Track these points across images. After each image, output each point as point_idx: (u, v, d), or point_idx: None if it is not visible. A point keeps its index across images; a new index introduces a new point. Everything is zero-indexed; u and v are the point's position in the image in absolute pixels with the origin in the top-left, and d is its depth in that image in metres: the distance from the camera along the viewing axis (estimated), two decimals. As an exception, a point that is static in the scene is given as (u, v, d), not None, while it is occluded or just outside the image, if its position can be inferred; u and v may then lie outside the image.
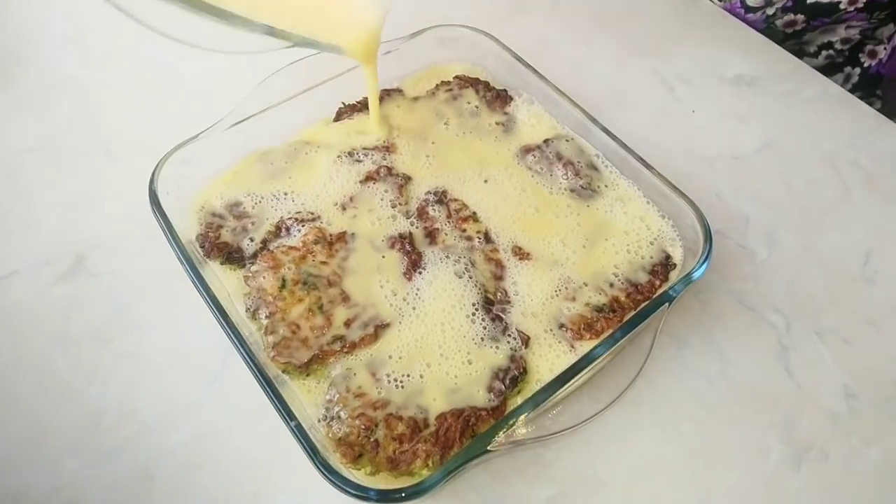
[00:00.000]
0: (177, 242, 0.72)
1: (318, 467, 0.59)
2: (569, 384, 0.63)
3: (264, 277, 0.73)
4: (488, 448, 0.60)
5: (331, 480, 0.59)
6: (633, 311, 0.71)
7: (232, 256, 0.77)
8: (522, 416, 0.62)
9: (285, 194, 0.81)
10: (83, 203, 0.93)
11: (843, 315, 0.81)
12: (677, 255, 0.75)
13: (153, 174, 0.77)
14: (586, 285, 0.73)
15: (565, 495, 0.70)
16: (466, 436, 0.64)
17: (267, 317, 0.71)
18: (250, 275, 0.74)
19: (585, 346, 0.69)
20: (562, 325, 0.71)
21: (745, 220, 0.89)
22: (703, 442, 0.73)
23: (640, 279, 0.73)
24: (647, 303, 0.71)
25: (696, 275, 0.70)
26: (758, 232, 0.88)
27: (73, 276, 0.86)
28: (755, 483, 0.70)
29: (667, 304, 0.68)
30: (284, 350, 0.69)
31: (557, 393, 0.63)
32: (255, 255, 0.76)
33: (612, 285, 0.73)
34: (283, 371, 0.69)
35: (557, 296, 0.73)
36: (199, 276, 0.70)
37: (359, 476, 0.63)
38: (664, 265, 0.74)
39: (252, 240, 0.78)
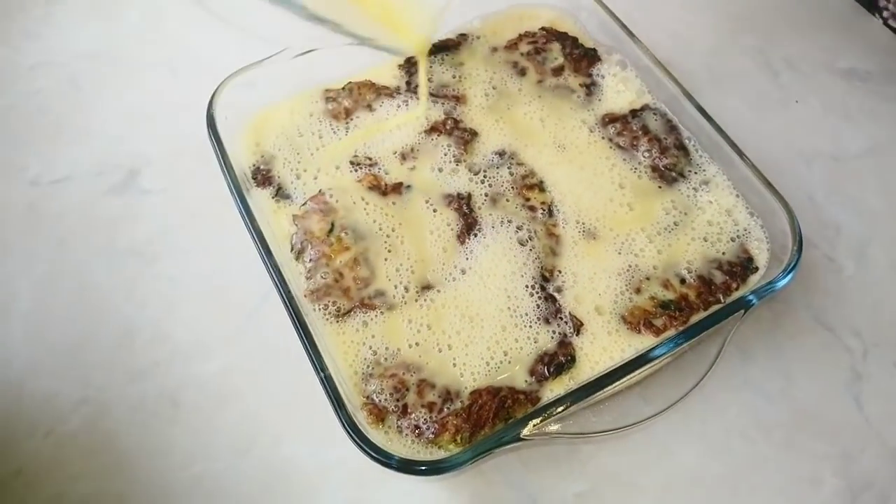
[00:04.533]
0: (228, 168, 0.69)
1: (343, 423, 0.56)
2: (618, 383, 0.58)
3: (313, 219, 0.70)
4: (521, 436, 0.56)
5: (354, 439, 0.56)
6: (703, 312, 0.65)
7: (283, 192, 0.73)
8: (562, 408, 0.57)
9: (345, 135, 0.77)
10: (142, 117, 0.91)
11: (931, 350, 0.73)
12: (762, 259, 0.68)
13: (213, 96, 0.73)
14: (654, 277, 0.67)
15: (596, 494, 0.66)
16: (500, 417, 0.60)
17: (311, 260, 0.68)
18: (299, 214, 0.71)
19: (644, 344, 0.63)
20: (621, 318, 0.65)
21: (835, 229, 0.81)
22: (752, 462, 0.67)
23: (715, 278, 0.66)
24: (719, 306, 0.64)
25: (781, 284, 0.63)
26: (848, 244, 0.80)
27: (123, 190, 0.85)
28: (802, 515, 0.65)
29: (742, 311, 0.62)
30: (325, 297, 0.66)
31: (604, 390, 0.58)
32: (306, 195, 0.72)
33: (683, 281, 0.67)
34: (323, 317, 0.66)
35: (620, 284, 0.67)
36: (247, 206, 0.67)
37: (382, 441, 0.60)
38: (744, 267, 0.67)
39: (305, 177, 0.74)
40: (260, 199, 0.73)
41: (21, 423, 0.71)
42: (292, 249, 0.69)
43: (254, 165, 0.75)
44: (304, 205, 0.71)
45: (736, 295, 0.66)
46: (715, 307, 0.65)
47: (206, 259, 0.79)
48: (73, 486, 0.67)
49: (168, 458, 0.69)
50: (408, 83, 0.80)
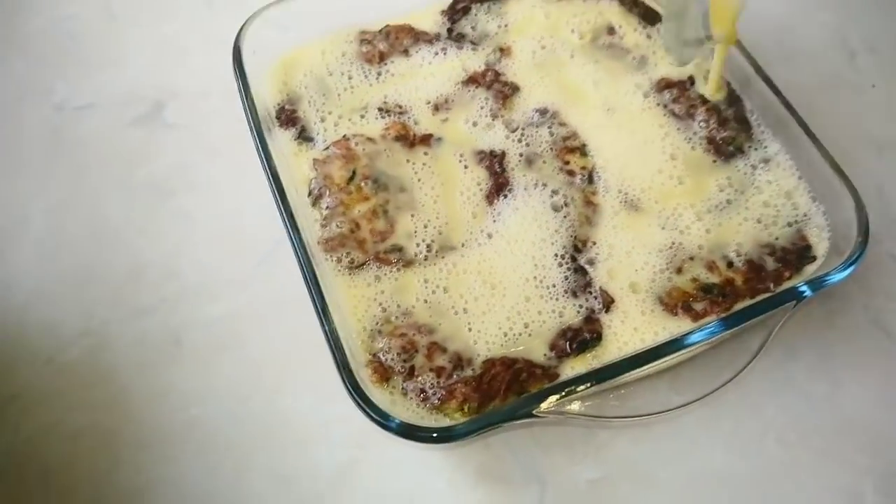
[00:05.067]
0: (249, 103, 0.65)
1: (343, 379, 0.52)
2: (645, 367, 0.53)
3: (334, 165, 0.66)
4: (534, 412, 0.51)
5: (353, 397, 0.52)
6: (749, 300, 0.58)
7: (306, 134, 0.69)
8: (583, 388, 0.52)
9: (377, 79, 0.72)
10: (173, 49, 0.87)
11: None
12: (820, 249, 0.61)
13: (241, 29, 0.69)
14: (699, 258, 0.61)
15: (610, 482, 0.61)
16: (513, 390, 0.55)
17: (328, 207, 0.64)
18: (320, 158, 0.66)
19: (680, 328, 0.58)
20: (657, 298, 0.60)
21: (905, 227, 0.73)
22: (787, 468, 0.61)
23: (766, 264, 0.60)
24: (768, 295, 0.58)
25: (837, 278, 0.56)
26: (918, 244, 0.72)
27: (147, 122, 0.82)
28: (835, 530, 0.59)
29: (793, 302, 0.55)
30: (339, 247, 0.62)
31: (631, 373, 0.53)
32: (329, 139, 0.68)
33: (730, 264, 0.61)
34: (335, 267, 0.62)
35: (661, 262, 0.61)
36: (265, 144, 0.63)
37: (385, 402, 0.55)
38: (800, 255, 0.60)
39: (330, 120, 0.69)
40: (282, 140, 0.69)
41: (23, 349, 0.69)
42: (310, 195, 0.65)
43: (279, 104, 0.71)
44: (326, 149, 0.67)
45: (787, 284, 0.59)
46: (763, 296, 0.58)
47: (223, 199, 0.76)
48: (68, 417, 0.65)
49: (165, 398, 0.66)
50: (449, 31, 0.75)
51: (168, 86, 0.84)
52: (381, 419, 0.51)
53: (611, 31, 0.73)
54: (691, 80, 0.70)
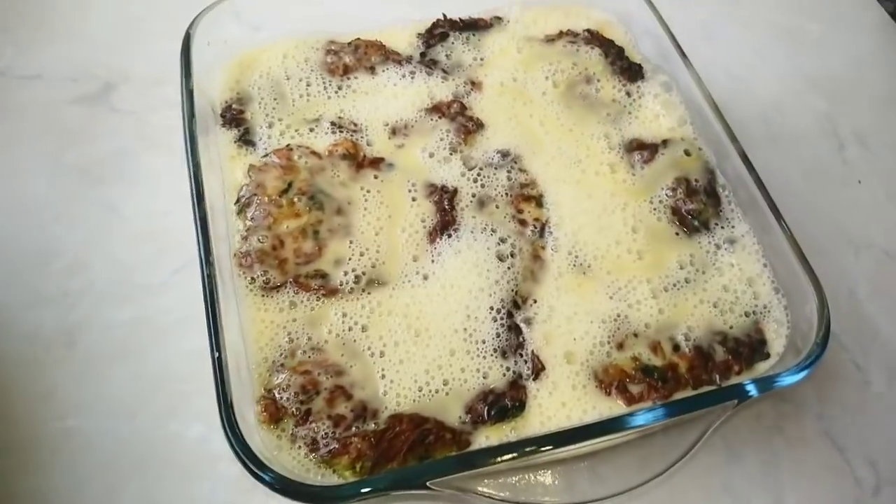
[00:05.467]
0: (186, 94, 0.60)
1: (221, 416, 0.46)
2: (568, 448, 0.47)
3: (270, 174, 0.60)
4: (429, 484, 0.45)
5: (228, 437, 0.46)
6: (690, 391, 0.53)
7: (249, 138, 0.64)
8: (491, 462, 0.46)
9: (336, 92, 0.67)
10: (135, 31, 0.82)
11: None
12: (776, 345, 0.56)
13: (197, 16, 0.65)
14: (644, 336, 0.56)
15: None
16: (415, 454, 0.49)
17: (252, 219, 0.58)
18: (257, 165, 0.61)
19: (611, 410, 0.52)
20: (592, 372, 0.54)
21: (873, 335, 0.69)
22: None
23: (715, 353, 0.55)
24: (711, 388, 0.53)
25: (789, 381, 0.51)
26: (884, 355, 0.67)
27: (92, 103, 0.77)
28: None
29: (735, 401, 0.50)
30: (256, 263, 0.56)
31: (548, 452, 0.47)
32: (272, 147, 0.63)
33: (676, 347, 0.55)
34: (247, 285, 0.56)
35: (603, 334, 0.56)
36: (193, 139, 0.58)
37: (269, 446, 0.49)
38: (753, 349, 0.55)
39: (277, 127, 0.64)
40: (221, 140, 0.64)
41: None
42: (237, 202, 0.60)
43: (226, 102, 0.66)
44: (265, 156, 0.62)
45: (734, 380, 0.54)
46: (706, 388, 0.53)
47: (153, 196, 0.70)
48: (-71, 407, 0.59)
49: (44, 401, 0.60)
50: (422, 55, 0.71)
51: (122, 68, 0.79)
52: (255, 468, 0.44)
53: (588, 80, 0.69)
54: (664, 143, 0.66)
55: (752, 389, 0.50)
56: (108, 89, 0.77)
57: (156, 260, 0.67)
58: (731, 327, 0.57)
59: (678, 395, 0.53)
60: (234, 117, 0.65)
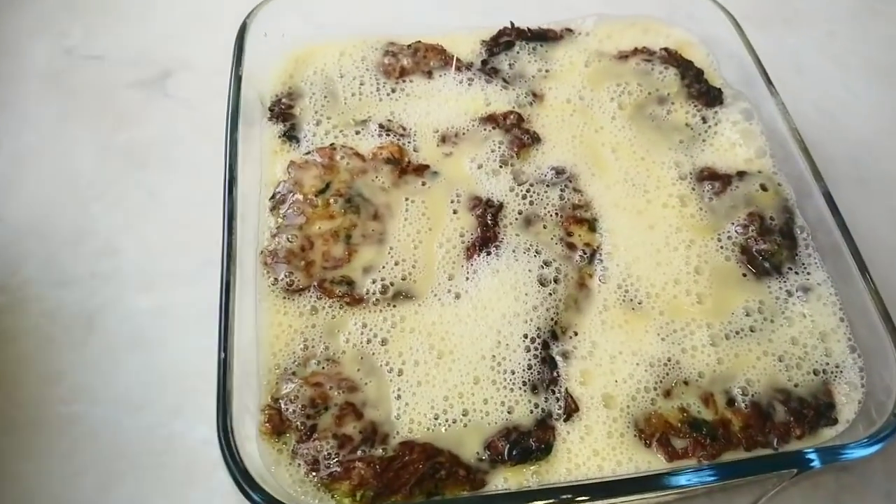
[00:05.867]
0: (236, 79, 0.58)
1: (218, 423, 0.43)
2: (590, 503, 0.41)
3: (310, 172, 0.57)
4: (435, 525, 0.40)
5: (222, 447, 0.42)
6: (742, 452, 0.47)
7: (294, 133, 0.61)
8: (505, 508, 0.41)
9: (389, 95, 0.64)
10: (200, 20, 0.82)
11: None
12: (846, 412, 0.49)
13: (256, 7, 0.63)
14: (695, 385, 0.50)
15: None
16: (423, 489, 0.45)
17: (285, 216, 0.55)
18: (297, 161, 0.58)
19: (650, 465, 0.46)
20: (633, 421, 0.48)
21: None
22: None
23: (775, 413, 0.48)
24: (767, 452, 0.46)
25: (859, 454, 0.44)
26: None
27: (148, 87, 0.76)
28: None
29: (794, 471, 0.43)
30: (282, 263, 0.53)
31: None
32: (316, 145, 0.60)
33: (731, 401, 0.49)
34: (269, 286, 0.53)
35: (650, 379, 0.50)
36: (234, 129, 0.55)
37: (266, 459, 0.46)
38: (819, 413, 0.49)
39: (325, 126, 0.62)
40: (266, 134, 0.62)
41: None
42: (272, 197, 0.57)
43: (276, 96, 0.64)
44: (308, 153, 0.59)
45: (794, 446, 0.47)
46: (761, 451, 0.47)
47: (193, 186, 0.69)
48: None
49: (55, 384, 0.58)
50: (484, 62, 0.67)
51: (182, 56, 0.79)
52: (245, 484, 0.41)
53: (660, 101, 0.64)
54: (740, 174, 0.59)
55: (814, 459, 0.43)
56: (165, 76, 0.77)
57: (187, 250, 0.65)
58: (796, 385, 0.50)
59: (728, 457, 0.47)
60: (283, 112, 0.63)
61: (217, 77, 0.75)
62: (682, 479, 0.43)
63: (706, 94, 0.64)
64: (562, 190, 0.59)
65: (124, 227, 0.66)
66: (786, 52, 0.84)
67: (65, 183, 0.69)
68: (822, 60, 0.85)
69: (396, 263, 0.54)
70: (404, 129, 0.62)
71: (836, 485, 0.55)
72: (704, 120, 0.64)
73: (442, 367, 0.50)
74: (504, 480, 0.46)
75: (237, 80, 0.58)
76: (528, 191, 0.59)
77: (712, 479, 0.43)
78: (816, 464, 0.43)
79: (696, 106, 0.64)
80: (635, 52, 0.67)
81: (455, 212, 0.57)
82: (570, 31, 0.69)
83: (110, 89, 0.76)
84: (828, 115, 0.78)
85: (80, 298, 0.62)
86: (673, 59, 0.66)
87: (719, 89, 0.65)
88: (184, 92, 0.76)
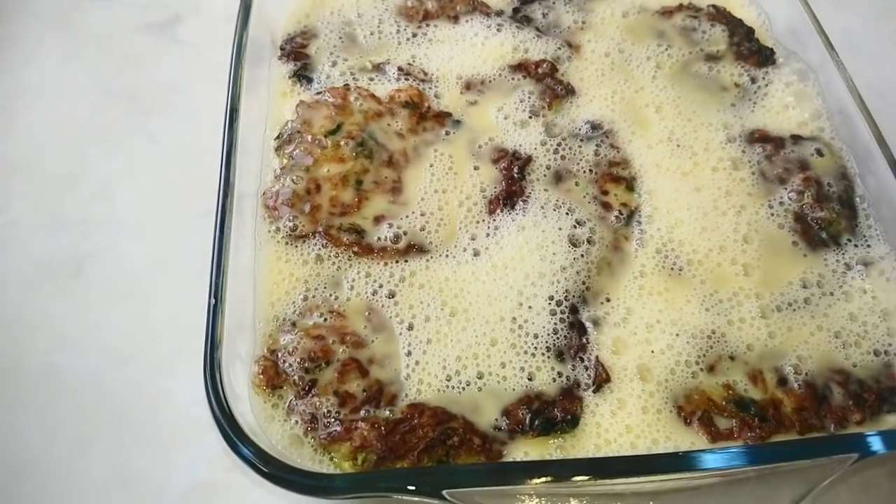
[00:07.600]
0: (242, 17, 0.54)
1: (205, 371, 0.38)
2: (625, 481, 0.36)
3: (320, 112, 0.53)
4: (445, 494, 0.35)
5: (209, 397, 0.37)
6: (794, 435, 0.41)
7: (306, 73, 0.57)
8: (524, 482, 0.36)
9: (409, 39, 0.59)
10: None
11: None
12: (914, 397, 0.43)
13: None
14: (743, 360, 0.44)
15: None
16: (432, 455, 0.39)
17: (291, 157, 0.51)
18: (307, 101, 0.54)
19: (691, 444, 0.41)
20: (671, 396, 0.43)
21: None
22: None
23: (832, 395, 0.43)
24: (822, 435, 0.41)
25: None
26: None
27: (158, 32, 0.72)
28: None
29: (855, 456, 0.38)
30: (285, 206, 0.48)
31: (598, 483, 0.36)
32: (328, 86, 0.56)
33: (782, 380, 0.44)
34: (269, 231, 0.48)
35: (691, 352, 0.45)
36: (239, 63, 0.51)
37: (258, 415, 0.41)
38: (882, 396, 0.43)
39: (340, 67, 0.57)
40: (275, 74, 0.57)
41: None
42: (278, 137, 0.52)
43: (290, 35, 0.59)
44: (319, 93, 0.54)
45: (853, 430, 0.42)
46: (816, 434, 0.41)
47: (197, 133, 0.64)
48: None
49: (36, 332, 0.54)
50: (515, 10, 0.62)
51: (194, 0, 0.74)
52: (234, 436, 0.36)
53: (709, 59, 0.58)
54: (794, 138, 0.54)
55: (877, 445, 0.38)
56: (175, 20, 0.73)
57: (186, 199, 0.60)
58: (854, 365, 0.45)
59: (778, 439, 0.41)
60: (295, 50, 0.58)
61: (230, 24, 0.70)
62: (724, 461, 0.37)
63: (757, 53, 0.59)
64: (597, 146, 0.53)
65: (121, 172, 0.62)
66: (838, 30, 0.78)
67: (62, 124, 0.65)
68: (878, 39, 0.79)
69: (409, 214, 0.49)
70: (425, 73, 0.57)
71: (891, 485, 0.49)
72: (754, 80, 0.58)
73: (454, 325, 0.45)
74: (524, 454, 0.41)
75: (244, 17, 0.54)
76: (559, 145, 0.54)
77: (761, 461, 0.38)
78: (878, 448, 0.38)
79: (743, 67, 0.58)
80: (680, 7, 0.62)
81: (476, 166, 0.52)
82: (611, -16, 0.64)
83: (117, 32, 0.72)
84: (881, 99, 0.72)
85: (69, 244, 0.58)
86: (722, 16, 0.61)
87: (771, 49, 0.59)
88: (193, 37, 0.72)
